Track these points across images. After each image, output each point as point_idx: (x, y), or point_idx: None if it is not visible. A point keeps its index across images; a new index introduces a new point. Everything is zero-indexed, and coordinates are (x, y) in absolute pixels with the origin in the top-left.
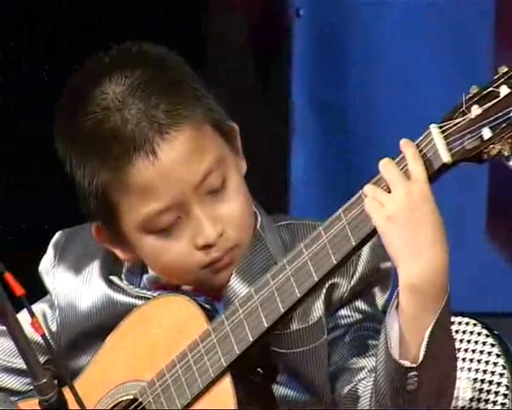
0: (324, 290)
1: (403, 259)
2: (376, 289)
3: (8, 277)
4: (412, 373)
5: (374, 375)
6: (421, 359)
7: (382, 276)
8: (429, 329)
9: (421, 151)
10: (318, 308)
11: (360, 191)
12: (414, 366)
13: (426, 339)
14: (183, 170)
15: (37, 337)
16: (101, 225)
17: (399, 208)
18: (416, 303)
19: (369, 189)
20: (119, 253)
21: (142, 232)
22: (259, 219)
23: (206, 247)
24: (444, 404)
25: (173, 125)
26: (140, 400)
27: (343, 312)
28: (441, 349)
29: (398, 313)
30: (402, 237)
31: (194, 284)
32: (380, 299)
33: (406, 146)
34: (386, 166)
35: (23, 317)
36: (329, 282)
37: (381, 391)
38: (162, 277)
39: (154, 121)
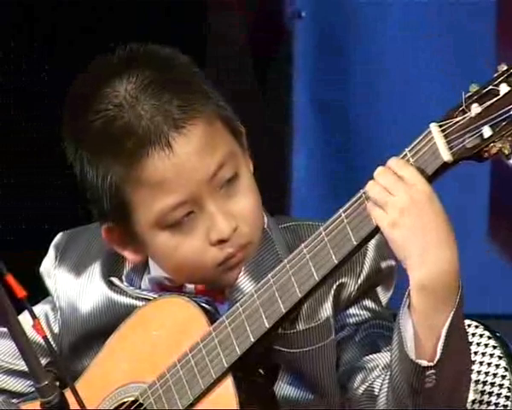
0: (332, 291)
1: (412, 261)
2: (379, 288)
3: (10, 278)
4: (430, 372)
5: (387, 372)
6: (438, 357)
7: (386, 274)
8: (446, 326)
9: (420, 150)
10: (326, 309)
11: (361, 191)
12: (431, 364)
13: (443, 337)
14: (197, 163)
15: (39, 339)
16: (112, 225)
17: (404, 213)
18: (429, 303)
19: (370, 188)
20: (129, 254)
21: (155, 228)
22: (266, 219)
23: (221, 242)
24: (461, 398)
25: (188, 119)
26: (141, 401)
27: (351, 311)
28: (457, 346)
29: (411, 312)
30: (409, 241)
31: (204, 283)
32: (383, 297)
33: (386, 167)
34: (382, 174)
35: (25, 318)
36: (337, 282)
37: (398, 390)
38: (173, 276)
39: (168, 116)
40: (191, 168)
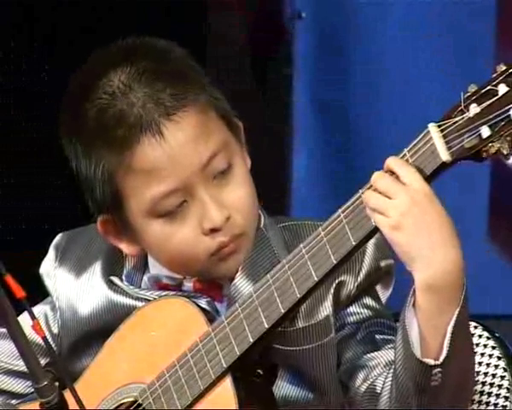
0: (332, 289)
1: (416, 263)
2: (379, 287)
3: (9, 279)
4: (436, 370)
5: (389, 370)
6: (444, 355)
7: (385, 273)
8: (451, 325)
9: (419, 150)
10: (326, 307)
11: (360, 191)
12: (438, 363)
13: (449, 335)
14: (189, 151)
15: (39, 339)
16: (107, 216)
17: (405, 215)
18: (434, 302)
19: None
20: (124, 247)
21: (147, 217)
22: (263, 218)
23: (213, 231)
24: (466, 396)
25: (180, 107)
26: (140, 401)
27: (352, 309)
28: (462, 343)
29: (417, 312)
30: (412, 242)
31: (197, 275)
32: (382, 296)
33: (384, 172)
34: (379, 178)
35: (24, 319)
36: (337, 280)
37: (403, 389)
38: (168, 269)
39: (160, 103)
40: (183, 156)
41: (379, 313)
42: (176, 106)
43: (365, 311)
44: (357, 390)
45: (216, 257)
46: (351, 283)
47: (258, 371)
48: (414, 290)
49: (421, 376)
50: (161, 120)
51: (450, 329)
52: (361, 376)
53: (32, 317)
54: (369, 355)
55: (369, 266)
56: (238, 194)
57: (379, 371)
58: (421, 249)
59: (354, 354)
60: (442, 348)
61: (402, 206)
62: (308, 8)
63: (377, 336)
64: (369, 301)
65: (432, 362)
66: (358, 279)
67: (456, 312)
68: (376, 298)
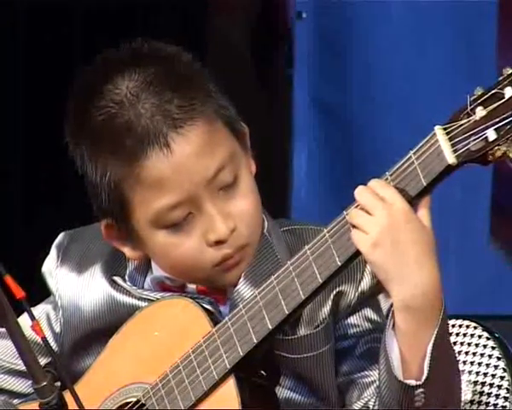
0: (332, 296)
1: (393, 281)
2: (381, 296)
3: (9, 279)
4: (419, 391)
5: None
6: (425, 375)
7: None
8: (430, 345)
9: (425, 153)
10: (325, 315)
11: None
12: (419, 383)
13: (428, 355)
14: (196, 164)
15: (40, 339)
16: (111, 222)
17: (383, 232)
18: (413, 321)
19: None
20: (128, 251)
21: (153, 228)
22: (266, 223)
23: (218, 243)
24: (452, 408)
25: (187, 119)
26: (143, 401)
27: (352, 320)
28: (444, 361)
29: (396, 333)
30: (390, 261)
31: (202, 283)
32: (384, 305)
33: (368, 186)
34: (361, 193)
35: (25, 319)
36: (336, 290)
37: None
38: (171, 276)
39: (167, 115)
40: (190, 169)
41: (379, 327)
42: (183, 118)
43: (366, 324)
44: (351, 407)
45: (219, 268)
46: (351, 292)
47: (262, 371)
48: (394, 312)
49: (405, 397)
50: (169, 132)
51: (429, 349)
52: (355, 393)
53: (32, 317)
54: (364, 373)
55: (371, 275)
56: (244, 205)
57: (372, 390)
58: (399, 268)
59: (350, 369)
60: (423, 368)
61: (380, 223)
62: (308, 9)
63: (375, 353)
64: (370, 313)
65: (413, 383)
66: (359, 289)
67: (435, 332)
68: (378, 310)
